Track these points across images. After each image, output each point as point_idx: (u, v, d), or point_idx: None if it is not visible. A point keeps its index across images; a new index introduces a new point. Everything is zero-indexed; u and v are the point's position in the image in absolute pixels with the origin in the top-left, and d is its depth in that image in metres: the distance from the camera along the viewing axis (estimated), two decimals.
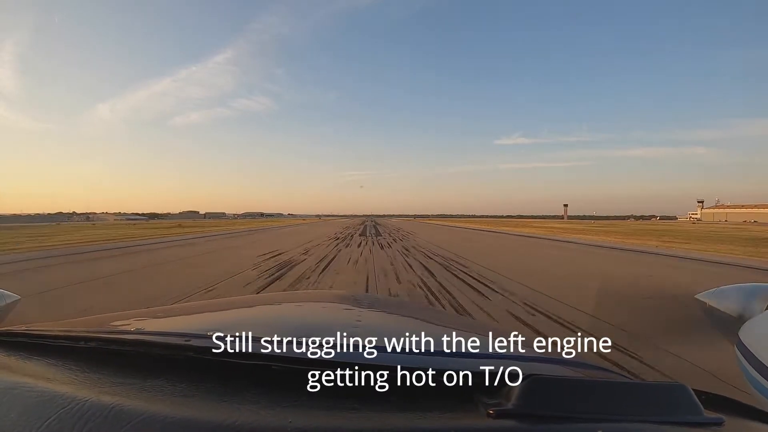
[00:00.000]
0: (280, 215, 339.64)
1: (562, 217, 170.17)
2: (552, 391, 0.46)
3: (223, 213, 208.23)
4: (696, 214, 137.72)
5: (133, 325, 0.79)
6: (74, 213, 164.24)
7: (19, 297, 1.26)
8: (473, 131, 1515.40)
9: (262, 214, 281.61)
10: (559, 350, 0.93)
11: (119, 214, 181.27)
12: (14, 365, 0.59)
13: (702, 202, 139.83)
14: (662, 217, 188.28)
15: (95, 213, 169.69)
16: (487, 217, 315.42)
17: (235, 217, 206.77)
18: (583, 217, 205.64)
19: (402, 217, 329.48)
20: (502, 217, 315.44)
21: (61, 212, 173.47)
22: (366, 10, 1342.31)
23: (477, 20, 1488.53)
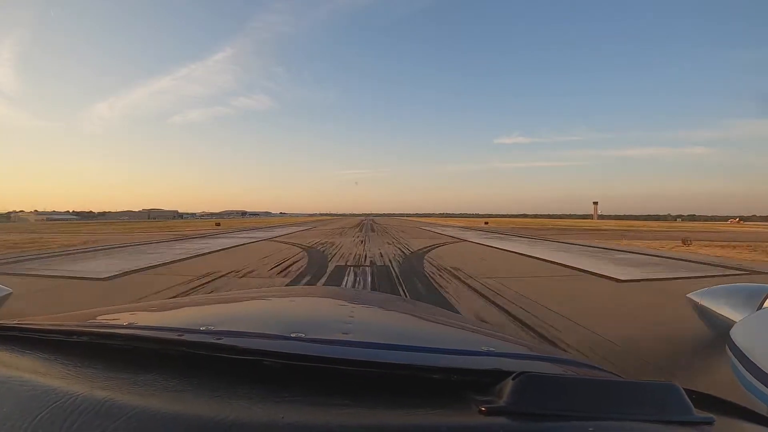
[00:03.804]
0: (268, 214, 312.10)
1: (591, 216, 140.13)
2: (544, 389, 0.45)
3: (176, 211, 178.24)
4: None
5: (126, 319, 0.79)
6: (36, 211, 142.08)
7: (11, 290, 1.20)
8: (475, 129, 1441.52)
9: (244, 213, 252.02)
10: (552, 348, 0.92)
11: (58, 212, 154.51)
12: (6, 359, 0.58)
13: None
14: (743, 218, 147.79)
15: (20, 211, 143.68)
16: (498, 216, 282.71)
17: (202, 216, 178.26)
18: (617, 217, 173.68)
19: (405, 216, 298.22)
20: (513, 216, 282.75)
21: (23, 210, 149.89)
22: (366, 8, 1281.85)
23: (476, 20, 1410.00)
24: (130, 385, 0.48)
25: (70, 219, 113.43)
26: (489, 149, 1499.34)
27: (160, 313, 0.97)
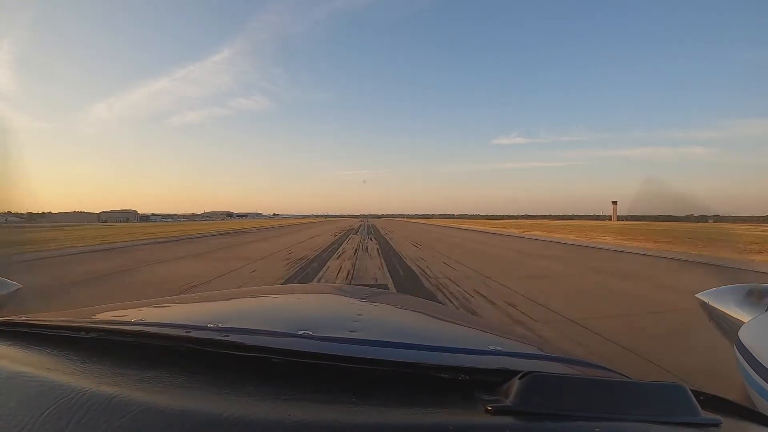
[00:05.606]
0: (257, 215, 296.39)
1: (607, 218, 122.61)
2: (551, 389, 0.46)
3: (135, 211, 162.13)
4: None
5: (134, 315, 0.79)
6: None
7: (21, 285, 1.22)
8: (473, 130, 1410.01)
9: (230, 215, 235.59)
10: (559, 348, 0.92)
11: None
12: (14, 355, 0.58)
13: None
14: None
15: None
16: (498, 217, 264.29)
17: (168, 218, 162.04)
18: (633, 218, 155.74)
19: (404, 217, 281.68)
20: (515, 218, 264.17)
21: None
22: (365, 8, 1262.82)
23: (477, 20, 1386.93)
24: (137, 381, 0.49)
25: (11, 222, 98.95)
26: (487, 150, 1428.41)
27: (167, 310, 0.97)
